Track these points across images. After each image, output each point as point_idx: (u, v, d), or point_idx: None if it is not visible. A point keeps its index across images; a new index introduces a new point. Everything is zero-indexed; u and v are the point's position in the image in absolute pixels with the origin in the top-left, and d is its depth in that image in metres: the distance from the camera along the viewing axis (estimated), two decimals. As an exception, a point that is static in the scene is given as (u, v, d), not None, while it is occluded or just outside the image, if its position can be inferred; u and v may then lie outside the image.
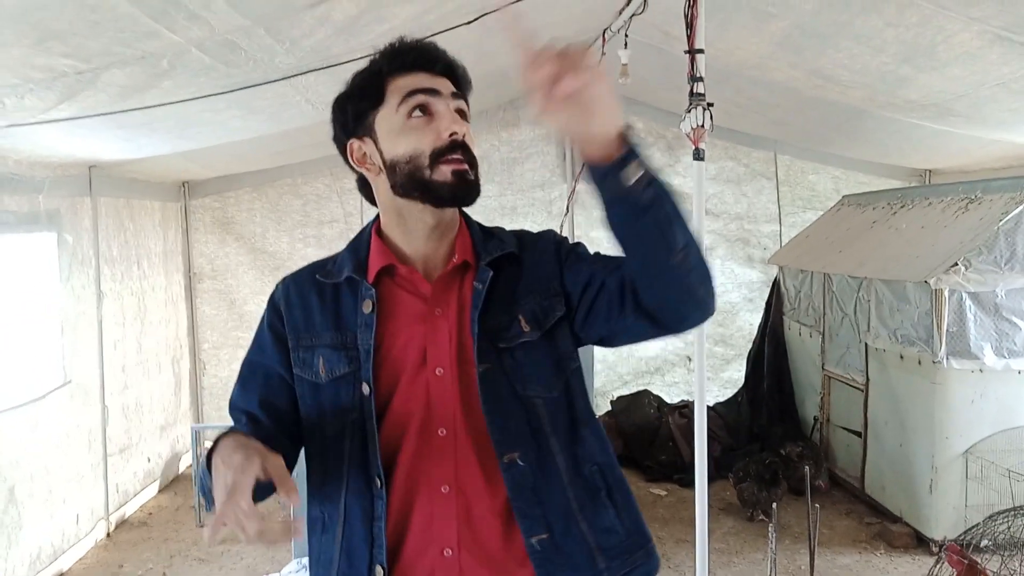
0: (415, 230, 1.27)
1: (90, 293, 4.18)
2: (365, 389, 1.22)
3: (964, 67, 3.07)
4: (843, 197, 5.43)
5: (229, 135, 3.77)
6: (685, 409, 5.10)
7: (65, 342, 3.94)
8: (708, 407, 3.47)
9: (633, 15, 3.40)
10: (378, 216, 1.32)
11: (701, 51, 2.64)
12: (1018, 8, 2.45)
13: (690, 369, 5.60)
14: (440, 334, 1.24)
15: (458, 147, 1.20)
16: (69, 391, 3.94)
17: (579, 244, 1.37)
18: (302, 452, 1.31)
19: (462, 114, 1.24)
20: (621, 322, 1.22)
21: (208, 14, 1.71)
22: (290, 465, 1.25)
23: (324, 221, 5.67)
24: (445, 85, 1.23)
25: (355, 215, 5.65)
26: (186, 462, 5.36)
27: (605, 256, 1.30)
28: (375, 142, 1.24)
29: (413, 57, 1.23)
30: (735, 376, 5.71)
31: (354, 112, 1.25)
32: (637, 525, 1.30)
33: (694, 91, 2.64)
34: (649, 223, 1.09)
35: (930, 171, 5.66)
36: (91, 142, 3.42)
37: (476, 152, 1.24)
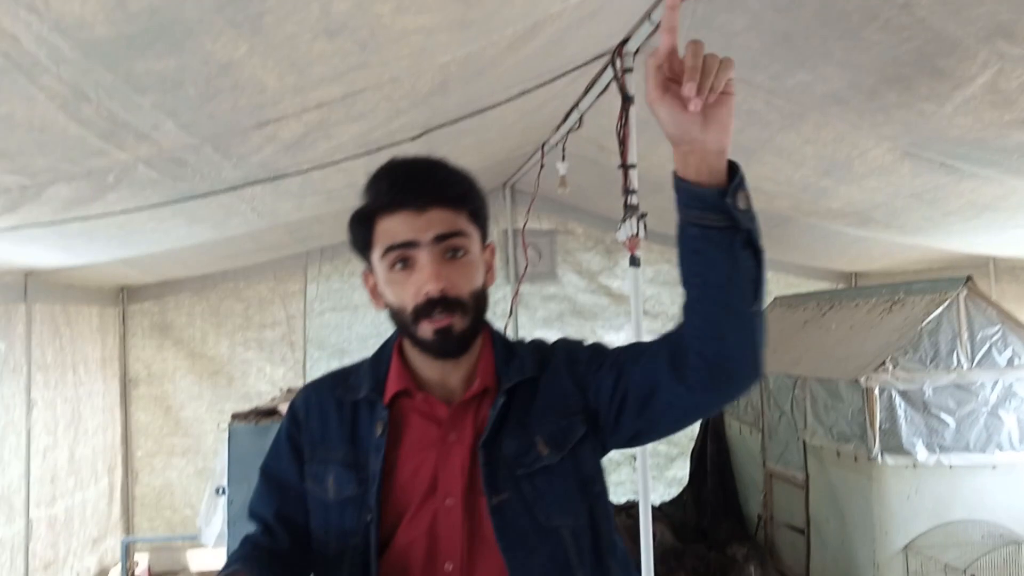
0: (428, 359, 1.23)
1: (19, 401, 4.05)
2: (368, 516, 1.17)
3: (879, 179, 3.28)
4: (775, 298, 5.62)
5: (171, 242, 3.78)
6: (632, 509, 5.07)
7: (-9, 454, 3.80)
8: (653, 506, 3.48)
9: (570, 131, 3.58)
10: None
11: (633, 166, 2.78)
12: (921, 129, 2.65)
13: (635, 468, 5.61)
14: (453, 462, 1.18)
15: (436, 304, 1.15)
16: (-7, 506, 3.78)
17: (596, 346, 1.30)
18: None
19: (455, 250, 1.18)
20: (658, 403, 1.15)
21: (157, 134, 1.76)
22: None
23: (266, 324, 5.63)
24: (429, 225, 1.16)
25: (297, 318, 5.64)
26: (115, 577, 5.11)
27: (626, 346, 1.24)
28: (377, 281, 1.23)
29: (392, 196, 1.18)
30: (680, 475, 5.74)
31: (356, 248, 1.25)
32: None
33: (628, 203, 2.77)
34: (747, 261, 1.01)
35: (856, 273, 5.92)
36: (29, 250, 3.39)
37: (469, 287, 1.17)
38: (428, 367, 1.24)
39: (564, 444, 1.20)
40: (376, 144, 2.76)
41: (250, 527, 1.28)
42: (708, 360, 1.08)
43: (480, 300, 1.22)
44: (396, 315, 1.20)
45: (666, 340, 1.15)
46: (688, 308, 1.09)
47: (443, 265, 1.16)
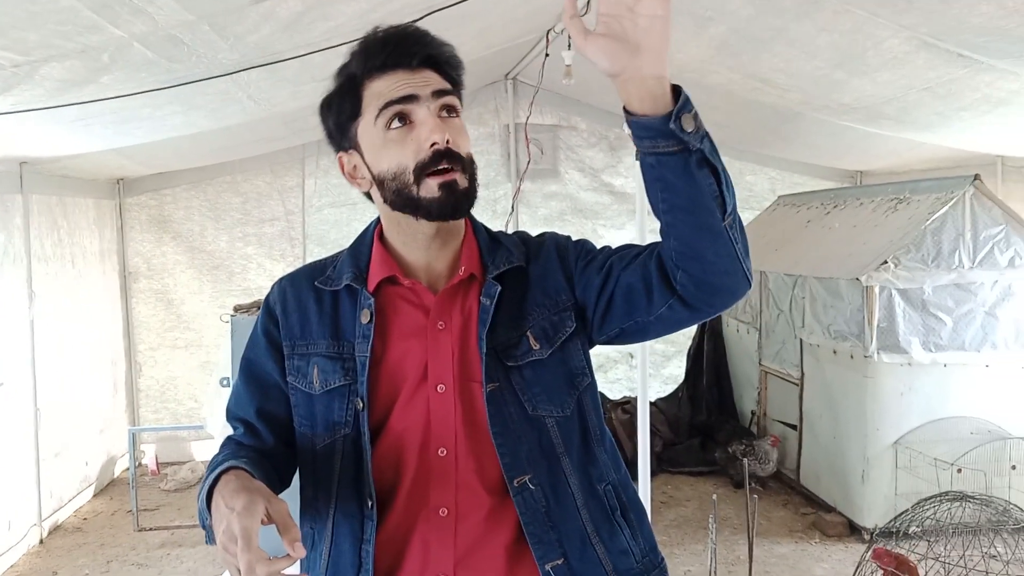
0: (415, 240, 1.21)
1: (22, 292, 4.06)
2: (359, 404, 1.16)
3: (893, 72, 3.19)
4: (779, 197, 5.58)
5: (168, 131, 3.70)
6: (627, 405, 5.17)
7: (-3, 343, 3.83)
8: (650, 403, 3.54)
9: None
10: (379, 219, 1.25)
11: (643, 53, 2.69)
12: (942, 16, 2.57)
13: (632, 366, 5.70)
14: (442, 349, 1.18)
15: (442, 156, 1.12)
16: (2, 393, 3.82)
17: (584, 243, 1.30)
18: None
19: (450, 109, 1.16)
20: (648, 313, 1.15)
21: (152, 8, 1.68)
22: (290, 476, 1.23)
23: (264, 219, 5.58)
24: (425, 82, 1.15)
25: (296, 213, 5.59)
26: (122, 465, 5.23)
27: (617, 249, 1.24)
28: (361, 155, 1.19)
29: (386, 56, 1.15)
30: (675, 372, 5.83)
31: (336, 124, 1.20)
32: (651, 544, 1.25)
33: (636, 93, 2.69)
34: (705, 179, 1.01)
35: (861, 172, 5.86)
36: (23, 137, 3.32)
37: (466, 147, 1.17)
38: (413, 251, 1.22)
39: (555, 339, 1.21)
40: (376, 25, 2.67)
41: (231, 431, 1.26)
42: (693, 277, 1.09)
43: (474, 167, 1.19)
44: (392, 181, 1.15)
45: (654, 253, 1.14)
46: (664, 232, 1.09)
47: (443, 120, 1.15)
